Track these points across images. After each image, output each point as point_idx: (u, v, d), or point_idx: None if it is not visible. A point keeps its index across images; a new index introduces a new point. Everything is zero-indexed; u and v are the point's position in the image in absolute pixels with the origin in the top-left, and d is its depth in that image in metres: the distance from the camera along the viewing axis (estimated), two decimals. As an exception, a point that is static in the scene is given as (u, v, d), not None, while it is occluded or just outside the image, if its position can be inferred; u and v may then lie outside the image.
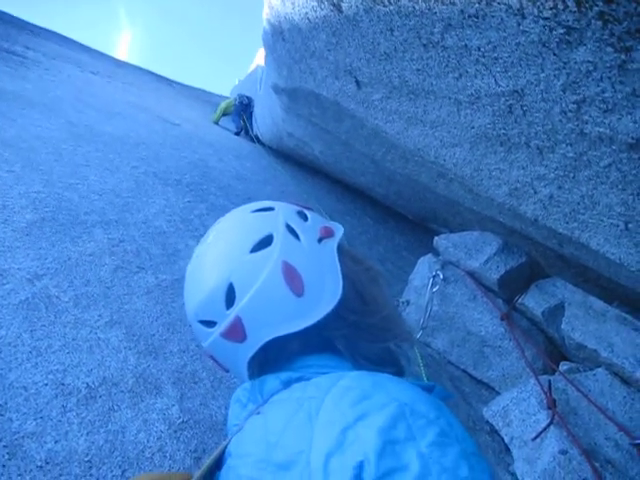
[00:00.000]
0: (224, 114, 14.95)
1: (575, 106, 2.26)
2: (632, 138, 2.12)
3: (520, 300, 4.17)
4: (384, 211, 8.87)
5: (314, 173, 10.10)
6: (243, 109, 14.58)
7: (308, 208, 1.30)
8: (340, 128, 5.77)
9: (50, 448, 2.46)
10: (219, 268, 1.11)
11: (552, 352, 4.02)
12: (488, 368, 4.13)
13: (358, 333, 1.12)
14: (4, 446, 2.36)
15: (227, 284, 1.08)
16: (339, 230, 1.26)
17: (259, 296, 1.06)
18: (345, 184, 9.35)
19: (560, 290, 4.12)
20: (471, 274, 4.41)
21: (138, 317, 3.57)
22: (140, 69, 20.26)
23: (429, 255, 4.87)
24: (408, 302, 4.72)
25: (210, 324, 1.12)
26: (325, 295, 1.09)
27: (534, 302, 4.08)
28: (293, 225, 1.16)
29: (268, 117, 10.25)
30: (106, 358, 3.10)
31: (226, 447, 1.09)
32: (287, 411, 0.96)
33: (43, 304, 3.30)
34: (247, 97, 14.78)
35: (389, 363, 1.15)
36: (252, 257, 1.09)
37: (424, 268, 4.74)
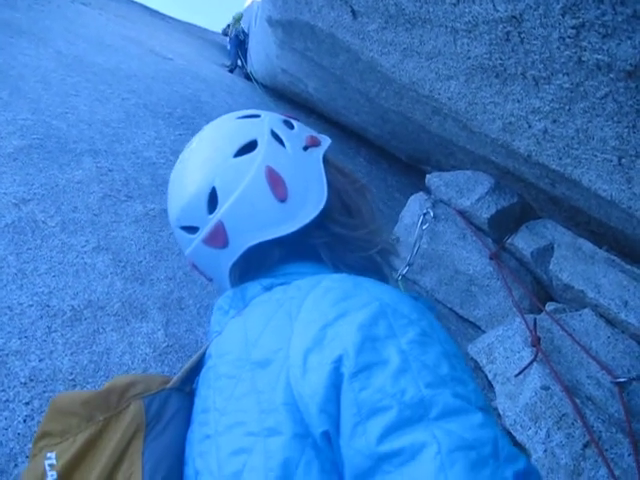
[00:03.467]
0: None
1: (574, 31, 2.21)
2: (630, 65, 2.08)
3: (510, 240, 4.17)
4: (377, 152, 8.81)
5: (308, 113, 10.00)
6: (239, 44, 14.35)
7: (295, 118, 1.29)
8: (335, 63, 5.68)
9: (34, 366, 2.48)
10: (202, 172, 1.10)
11: (539, 292, 4.04)
12: (475, 307, 4.15)
13: (341, 241, 1.11)
14: (-13, 363, 2.37)
15: (210, 188, 1.07)
16: (326, 141, 1.25)
17: (242, 200, 1.05)
18: (339, 125, 9.27)
19: (550, 231, 4.12)
20: (462, 213, 4.40)
21: (125, 244, 3.56)
22: (134, 2, 19.87)
23: (420, 193, 4.85)
24: (398, 239, 4.71)
25: (192, 230, 1.12)
26: (309, 202, 1.08)
27: (524, 242, 4.08)
28: (278, 132, 1.15)
29: (262, 53, 10.10)
30: (92, 282, 3.10)
31: (206, 351, 1.09)
32: (267, 311, 0.96)
33: (29, 228, 3.29)
34: (244, 32, 14.53)
35: (372, 272, 1.14)
36: (235, 161, 1.08)
37: (415, 206, 4.72)
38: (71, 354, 2.59)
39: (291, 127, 1.21)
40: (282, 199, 1.06)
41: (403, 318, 0.82)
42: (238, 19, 15.13)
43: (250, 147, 1.10)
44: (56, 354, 2.57)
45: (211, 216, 1.07)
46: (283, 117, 1.25)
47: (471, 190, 4.45)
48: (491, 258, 4.05)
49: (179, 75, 9.23)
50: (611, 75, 2.25)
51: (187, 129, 6.25)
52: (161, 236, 3.80)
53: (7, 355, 2.45)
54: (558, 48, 2.40)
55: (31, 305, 2.75)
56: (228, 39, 14.89)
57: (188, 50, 14.08)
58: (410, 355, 0.76)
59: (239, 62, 14.15)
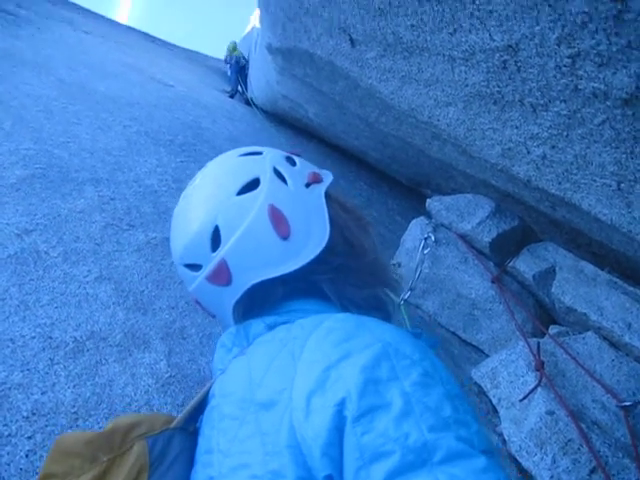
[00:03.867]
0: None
1: (570, 60, 2.23)
2: (626, 93, 2.10)
3: (511, 263, 4.17)
4: (378, 176, 8.84)
5: (309, 137, 10.05)
6: (239, 70, 14.47)
7: (297, 154, 1.30)
8: (334, 89, 5.72)
9: (37, 399, 2.48)
10: (205, 210, 1.10)
11: (542, 316, 4.03)
12: (478, 331, 4.14)
13: (345, 277, 1.11)
14: (-10, 397, 2.37)
15: (213, 226, 1.08)
16: (328, 177, 1.26)
17: (245, 239, 1.06)
18: (340, 148, 9.31)
19: (551, 254, 4.12)
20: (463, 237, 4.41)
21: (127, 274, 3.57)
22: (135, 30, 20.03)
23: (421, 217, 4.86)
24: (399, 264, 4.72)
25: (195, 267, 1.12)
26: (312, 239, 1.09)
27: (525, 265, 4.08)
28: (281, 169, 1.16)
29: (262, 79, 10.16)
30: (94, 313, 3.10)
31: (210, 389, 1.09)
32: (270, 351, 0.96)
33: (32, 259, 3.30)
34: (244, 58, 14.66)
35: (376, 309, 1.15)
36: (238, 199, 1.09)
37: (416, 230, 4.73)
38: (73, 386, 2.59)
39: (293, 164, 1.22)
40: (285, 237, 1.06)
41: (405, 359, 0.82)
42: (233, 49, 15.27)
43: (253, 185, 1.11)
44: (58, 387, 2.57)
45: (214, 254, 1.07)
46: (285, 154, 1.26)
47: (472, 214, 4.46)
48: (493, 282, 4.04)
49: (180, 102, 9.30)
50: (608, 103, 2.27)
51: (188, 156, 6.28)
52: (163, 265, 3.80)
53: (9, 389, 2.45)
54: (554, 76, 2.42)
55: (33, 337, 2.75)
56: (228, 65, 15.01)
57: (189, 77, 14.17)
58: (413, 397, 0.76)
59: (239, 88, 14.25)
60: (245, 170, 1.14)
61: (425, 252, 4.43)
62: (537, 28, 2.25)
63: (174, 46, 20.77)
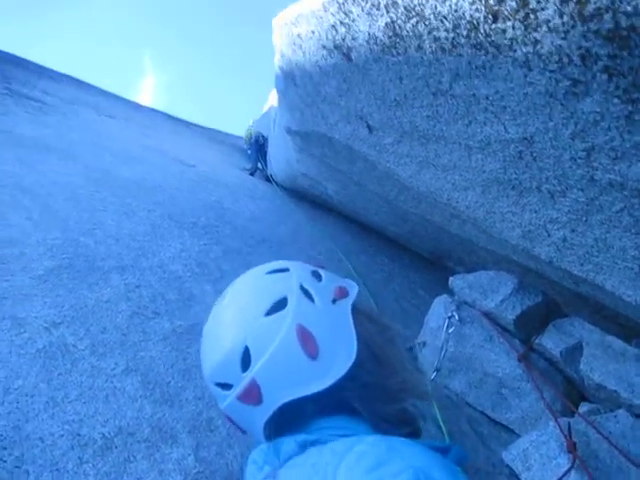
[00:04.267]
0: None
1: (585, 153, 2.28)
2: (642, 185, 2.13)
3: (537, 340, 4.14)
4: (398, 249, 8.85)
5: (328, 212, 10.12)
6: (259, 148, 14.68)
7: (322, 267, 1.32)
8: (353, 169, 5.80)
9: (66, 501, 2.46)
10: (234, 331, 1.13)
11: (571, 393, 3.97)
12: (507, 410, 4.08)
13: (374, 394, 1.12)
14: (21, 500, 2.36)
15: (242, 347, 1.10)
16: (353, 289, 1.27)
17: (274, 360, 1.08)
18: (359, 223, 9.36)
19: (578, 329, 4.09)
20: (487, 314, 4.39)
21: (154, 364, 3.57)
22: (157, 112, 20.45)
23: (444, 296, 4.85)
24: (424, 343, 4.70)
25: (226, 387, 1.14)
26: (339, 357, 1.10)
27: (552, 342, 4.05)
28: (307, 286, 1.18)
29: (282, 157, 10.30)
30: (122, 407, 3.10)
31: None
32: (303, 477, 0.96)
33: (60, 352, 3.32)
34: (263, 136, 14.88)
35: (406, 423, 1.15)
36: (267, 320, 1.11)
37: (440, 309, 4.72)
38: (103, 486, 2.59)
39: (319, 278, 1.24)
40: (313, 357, 1.08)
41: None
42: (250, 134, 15.59)
43: (280, 305, 1.13)
44: (88, 486, 2.56)
45: (245, 374, 1.09)
46: (311, 268, 1.29)
47: (495, 291, 4.46)
48: (519, 360, 4.01)
49: (202, 182, 9.43)
50: (625, 192, 2.30)
51: (211, 238, 6.34)
52: (189, 353, 3.81)
53: (39, 490, 2.45)
54: (570, 167, 2.46)
55: (62, 435, 2.75)
56: (248, 144, 15.26)
57: (210, 156, 14.40)
58: None
59: (259, 165, 14.43)
60: (272, 290, 1.17)
61: (450, 331, 4.41)
62: (551, 124, 2.30)
63: (195, 125, 21.16)
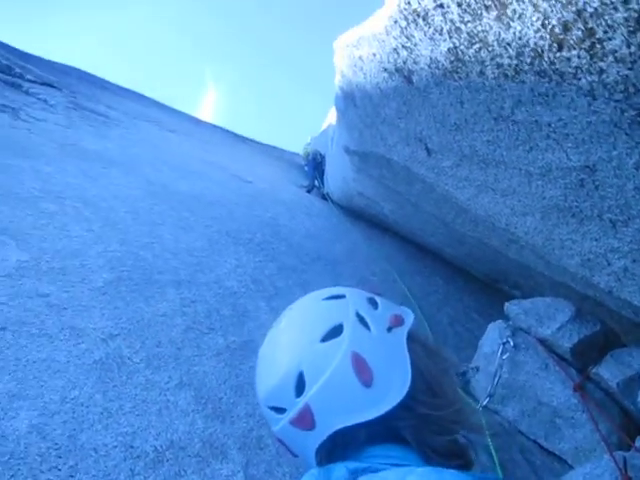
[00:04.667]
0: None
1: (649, 184, 2.24)
2: None
3: (594, 370, 4.05)
4: (454, 270, 8.77)
5: (384, 231, 10.09)
6: (316, 166, 14.74)
7: (378, 294, 1.31)
8: (410, 191, 5.79)
9: (117, 512, 2.49)
10: (290, 356, 1.13)
11: (628, 426, 3.87)
12: (560, 440, 4.00)
13: (426, 425, 1.11)
14: (73, 509, 2.40)
15: (297, 372, 1.09)
16: (409, 317, 1.25)
17: (328, 386, 1.07)
18: (415, 243, 9.31)
19: (636, 360, 3.99)
20: (543, 342, 4.32)
21: (207, 379, 3.60)
22: (216, 127, 20.76)
23: (499, 321, 4.79)
24: (477, 368, 4.64)
25: (280, 410, 1.13)
26: (393, 386, 1.09)
27: (609, 373, 3.96)
28: (363, 314, 1.17)
29: (339, 176, 10.34)
30: (174, 421, 3.13)
31: None
32: None
33: (116, 364, 3.37)
34: (320, 155, 14.94)
35: (456, 455, 1.14)
36: (322, 346, 1.10)
37: (494, 334, 4.66)
38: (153, 499, 2.61)
39: (375, 306, 1.23)
40: (367, 384, 1.07)
41: None
42: (307, 152, 15.70)
43: (336, 331, 1.12)
44: (139, 499, 2.59)
45: (298, 399, 1.09)
46: (367, 295, 1.27)
47: (551, 318, 4.38)
48: (575, 390, 3.93)
49: (259, 198, 9.50)
50: (690, 224, 2.25)
51: (267, 255, 6.38)
52: (241, 369, 3.83)
53: (92, 501, 2.49)
54: (634, 197, 2.41)
55: (115, 446, 2.78)
56: (306, 161, 15.35)
57: (268, 172, 14.53)
58: None
59: (316, 183, 14.48)
60: (328, 316, 1.17)
61: (504, 357, 4.35)
62: (614, 153, 2.27)
63: (253, 141, 21.40)
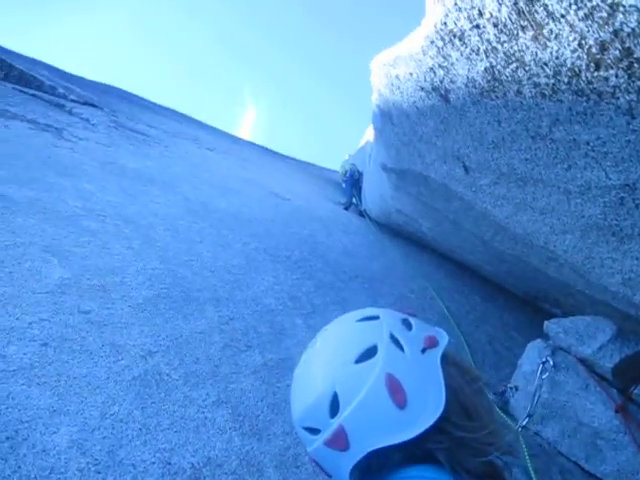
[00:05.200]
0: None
1: (691, 204, 2.21)
2: None
3: (636, 390, 3.98)
4: (493, 288, 8.68)
5: (422, 249, 10.04)
6: (354, 183, 14.74)
7: (413, 314, 1.32)
8: (449, 208, 5.77)
9: (155, 530, 2.51)
10: (324, 377, 1.14)
11: (671, 448, 3.79)
12: (602, 462, 3.93)
13: (460, 447, 1.11)
14: (111, 526, 2.42)
15: (332, 394, 1.11)
16: (443, 339, 1.26)
17: (362, 407, 1.08)
18: (453, 261, 9.25)
19: (680, 381, 3.92)
20: (583, 361, 4.26)
21: (244, 397, 3.62)
22: (254, 145, 20.95)
23: (539, 340, 4.74)
24: (517, 388, 4.60)
25: (314, 431, 1.15)
26: (428, 408, 1.09)
27: (652, 394, 3.90)
28: (397, 335, 1.18)
29: (376, 193, 10.33)
30: (211, 438, 3.15)
31: None
32: None
33: (154, 381, 3.40)
34: (358, 172, 14.93)
35: (491, 477, 1.13)
36: (356, 368, 1.12)
37: (534, 353, 4.61)
38: (190, 516, 2.63)
39: (409, 327, 1.24)
40: (401, 406, 1.08)
41: None
42: (345, 169, 15.64)
43: (370, 353, 1.14)
44: (176, 516, 2.61)
45: (332, 420, 1.11)
46: (402, 316, 1.29)
47: (592, 337, 4.32)
48: (617, 411, 3.86)
49: (296, 216, 9.55)
50: None
51: (304, 273, 6.40)
52: (279, 387, 3.84)
53: (130, 516, 2.51)
54: (675, 216, 2.39)
55: (153, 462, 2.80)
56: (343, 178, 15.33)
57: (305, 189, 14.57)
58: None
59: (354, 200, 14.48)
60: (363, 337, 1.18)
61: (543, 377, 4.30)
62: (654, 171, 2.24)
63: (290, 159, 21.52)
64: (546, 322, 4.76)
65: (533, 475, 3.69)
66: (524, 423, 4.24)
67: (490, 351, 6.22)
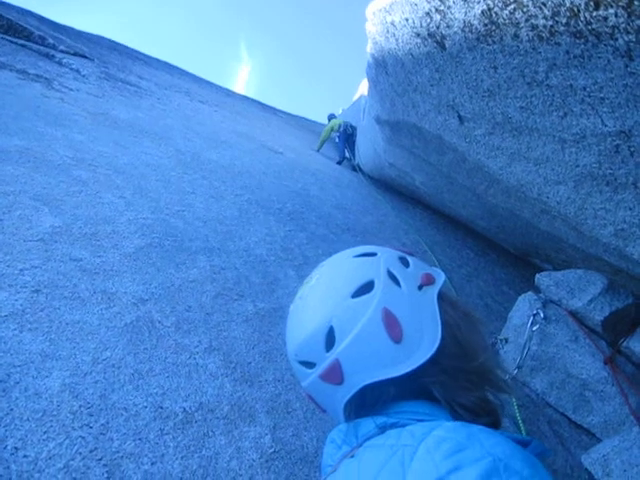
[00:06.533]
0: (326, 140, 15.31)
1: (686, 148, 2.19)
2: None
3: (625, 343, 4.02)
4: (485, 243, 8.73)
5: (415, 203, 10.06)
6: (347, 138, 14.67)
7: (410, 253, 1.31)
8: (442, 161, 5.74)
9: (146, 470, 2.53)
10: (321, 311, 1.14)
11: (658, 399, 3.84)
12: (589, 413, 3.98)
13: (455, 381, 1.11)
14: (104, 465, 2.44)
15: (327, 327, 1.10)
16: (440, 277, 1.25)
17: (358, 341, 1.08)
18: (446, 215, 9.27)
19: (669, 334, 3.96)
20: (573, 314, 4.29)
21: (236, 344, 3.64)
22: (248, 99, 20.79)
23: (530, 293, 4.76)
24: (507, 340, 4.62)
25: (309, 365, 1.15)
26: (423, 343, 1.09)
27: (640, 346, 3.93)
28: (394, 271, 1.18)
29: (370, 147, 10.29)
30: (203, 384, 3.17)
31: None
32: (380, 457, 0.96)
33: (146, 328, 3.41)
34: (351, 126, 14.84)
35: (486, 413, 1.13)
36: (353, 302, 1.11)
37: (524, 306, 4.63)
38: (181, 458, 2.64)
39: (407, 265, 1.23)
40: (397, 340, 1.07)
41: (515, 475, 0.81)
42: (337, 124, 15.41)
43: (367, 288, 1.13)
44: (167, 457, 2.62)
45: (328, 354, 1.10)
46: (399, 253, 1.28)
47: (583, 290, 4.34)
48: (605, 362, 3.90)
49: (289, 169, 9.53)
50: None
51: (297, 225, 6.40)
52: (270, 336, 3.86)
53: (122, 457, 2.52)
54: (670, 163, 2.37)
55: (145, 406, 2.83)
56: (337, 133, 15.21)
57: (298, 143, 14.53)
58: None
59: (347, 155, 14.44)
60: (360, 273, 1.17)
61: (534, 329, 4.32)
62: (651, 117, 2.22)
63: (284, 113, 21.38)
64: (537, 275, 4.78)
65: (521, 425, 3.74)
66: (514, 374, 4.28)
67: (481, 305, 6.26)
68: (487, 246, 8.69)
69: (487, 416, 1.12)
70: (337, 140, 15.16)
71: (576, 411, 4.04)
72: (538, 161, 3.56)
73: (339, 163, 13.79)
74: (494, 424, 1.12)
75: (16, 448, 2.31)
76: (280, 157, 10.47)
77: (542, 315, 4.34)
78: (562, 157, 3.24)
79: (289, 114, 21.76)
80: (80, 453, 2.44)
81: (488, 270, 7.77)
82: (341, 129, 14.86)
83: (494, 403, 1.19)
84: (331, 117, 17.75)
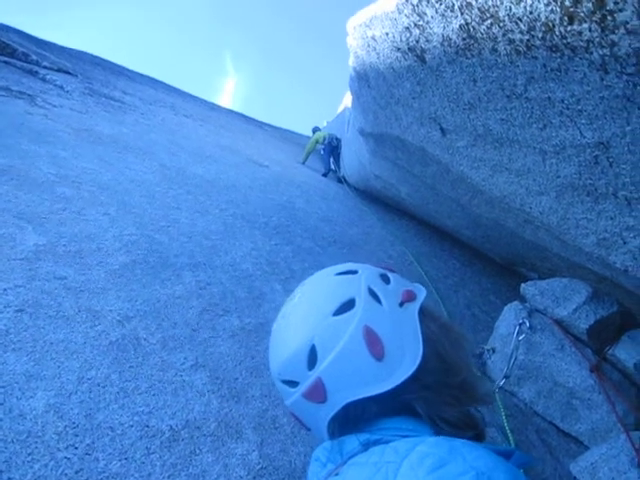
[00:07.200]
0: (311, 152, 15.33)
1: (664, 159, 2.22)
2: None
3: (611, 351, 4.04)
4: (471, 253, 8.76)
5: (401, 215, 10.08)
6: (332, 150, 14.70)
7: (391, 270, 1.32)
8: (426, 172, 5.77)
9: (133, 490, 2.52)
10: (302, 330, 1.14)
11: (645, 406, 3.86)
12: (576, 421, 3.99)
13: (439, 396, 1.11)
14: (90, 486, 2.43)
15: (309, 346, 1.11)
16: (421, 293, 1.26)
17: (340, 359, 1.09)
18: (432, 226, 9.30)
19: (653, 341, 3.98)
20: (559, 323, 4.31)
21: (222, 360, 3.62)
22: (233, 112, 20.80)
23: (516, 302, 4.78)
24: (494, 350, 4.64)
25: (292, 384, 1.15)
26: (405, 360, 1.10)
27: (625, 353, 3.95)
28: (375, 289, 1.19)
29: (355, 159, 10.33)
30: (190, 401, 3.15)
31: None
32: (364, 475, 0.96)
33: (132, 345, 3.39)
34: (336, 138, 14.87)
35: (469, 427, 1.14)
36: (334, 320, 1.12)
37: (510, 315, 4.65)
38: (168, 477, 2.62)
39: (387, 281, 1.24)
40: (379, 358, 1.08)
41: None
42: (322, 137, 15.39)
43: (348, 305, 1.14)
44: (154, 477, 2.60)
45: (311, 372, 1.10)
46: (380, 270, 1.29)
47: (568, 299, 4.36)
48: (592, 370, 3.92)
49: (274, 182, 9.53)
50: None
51: (282, 238, 6.40)
52: (257, 351, 3.85)
53: (107, 478, 2.49)
54: (649, 173, 2.39)
55: (131, 425, 2.81)
56: (322, 145, 15.22)
57: (283, 156, 14.53)
58: None
59: (332, 166, 14.46)
60: (341, 291, 1.18)
61: (520, 338, 4.34)
62: (628, 128, 2.24)
63: (269, 126, 21.41)
64: (523, 285, 4.80)
65: (510, 435, 3.75)
66: (501, 384, 4.29)
67: (468, 315, 6.27)
68: (473, 256, 8.72)
69: (470, 430, 1.12)
70: (322, 152, 15.17)
71: (564, 420, 4.06)
72: (520, 172, 3.58)
73: (325, 175, 13.81)
74: (478, 437, 1.13)
75: (0, 471, 2.29)
76: (265, 170, 10.48)
77: (528, 324, 4.36)
78: (543, 168, 3.26)
79: (274, 127, 21.80)
80: (66, 474, 2.41)
81: (475, 280, 7.79)
82: (326, 141, 14.88)
83: (477, 416, 1.19)
84: (315, 130, 17.76)
